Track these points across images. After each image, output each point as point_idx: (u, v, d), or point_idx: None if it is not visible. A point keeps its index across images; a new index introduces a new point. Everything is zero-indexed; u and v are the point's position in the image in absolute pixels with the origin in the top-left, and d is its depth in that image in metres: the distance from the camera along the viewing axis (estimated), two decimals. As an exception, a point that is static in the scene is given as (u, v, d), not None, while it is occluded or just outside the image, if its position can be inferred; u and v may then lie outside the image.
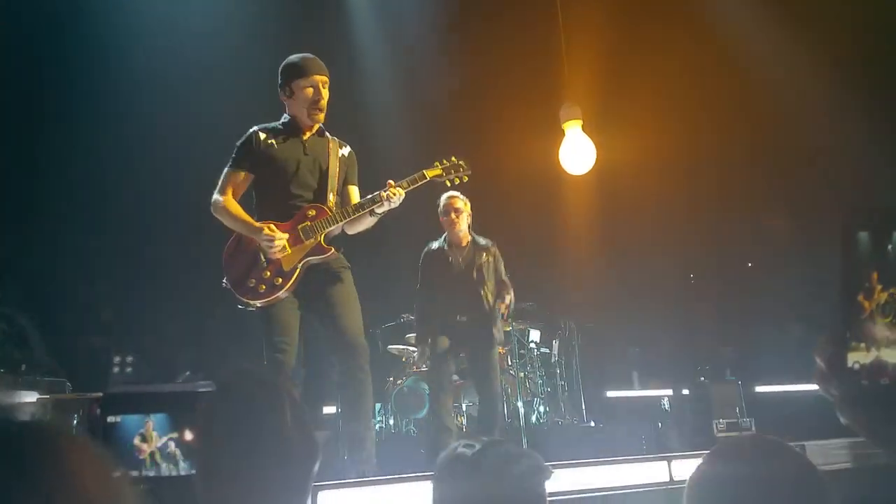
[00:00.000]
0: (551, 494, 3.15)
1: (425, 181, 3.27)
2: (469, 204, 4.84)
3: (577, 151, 5.91)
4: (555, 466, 3.34)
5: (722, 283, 7.99)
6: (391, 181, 3.12)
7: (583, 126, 5.96)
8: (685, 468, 3.17)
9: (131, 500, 0.46)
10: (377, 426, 6.53)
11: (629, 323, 8.25)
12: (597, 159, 5.97)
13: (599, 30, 6.38)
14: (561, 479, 3.09)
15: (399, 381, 6.40)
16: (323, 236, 3.03)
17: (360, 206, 3.10)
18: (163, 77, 6.25)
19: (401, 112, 7.33)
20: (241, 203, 3.15)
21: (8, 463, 0.39)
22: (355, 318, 3.09)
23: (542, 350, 7.05)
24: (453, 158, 3.37)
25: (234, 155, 3.14)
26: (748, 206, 7.83)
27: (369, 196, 3.14)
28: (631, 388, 8.66)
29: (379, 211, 3.11)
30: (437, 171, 3.29)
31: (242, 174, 3.10)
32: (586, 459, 3.35)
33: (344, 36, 7.13)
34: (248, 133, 3.14)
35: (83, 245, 7.25)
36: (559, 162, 5.97)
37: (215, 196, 3.09)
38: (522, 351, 6.80)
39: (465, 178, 3.39)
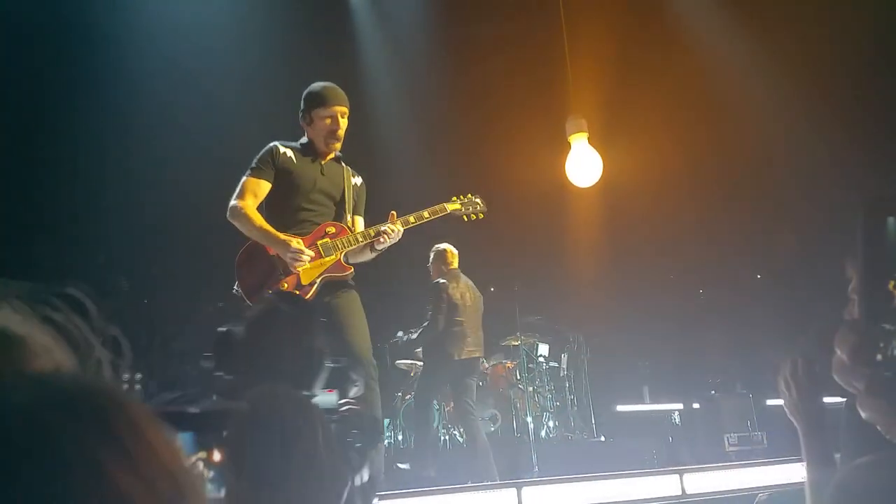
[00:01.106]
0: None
1: (444, 214, 3.38)
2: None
3: (583, 164, 5.89)
4: (567, 480, 3.31)
5: (731, 295, 7.92)
6: (393, 213, 3.21)
7: (589, 138, 5.96)
8: (697, 482, 3.12)
9: (196, 478, 0.44)
10: (386, 442, 6.49)
11: (639, 336, 8.19)
12: (603, 171, 5.96)
13: (604, 41, 6.41)
14: (572, 494, 3.05)
15: (408, 396, 6.37)
16: (343, 254, 3.09)
17: (367, 235, 3.17)
18: (167, 78, 6.31)
19: (404, 126, 7.36)
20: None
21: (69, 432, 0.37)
22: (363, 336, 3.12)
23: (551, 364, 7.00)
24: (470, 195, 3.48)
25: (254, 165, 3.17)
26: (757, 218, 7.79)
27: (375, 228, 3.21)
28: (641, 401, 8.58)
29: (378, 248, 3.18)
30: (457, 206, 3.40)
31: (263, 183, 3.14)
32: (597, 473, 3.30)
33: (349, 51, 7.19)
34: (269, 146, 3.22)
35: (88, 262, 7.26)
36: (565, 174, 5.96)
37: (234, 202, 3.10)
38: (531, 365, 6.76)
39: (482, 216, 3.50)
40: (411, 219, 3.25)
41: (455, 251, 5.37)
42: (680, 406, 7.77)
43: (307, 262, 2.98)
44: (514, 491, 3.00)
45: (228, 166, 3.50)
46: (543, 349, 6.95)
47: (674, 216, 7.69)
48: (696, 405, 7.09)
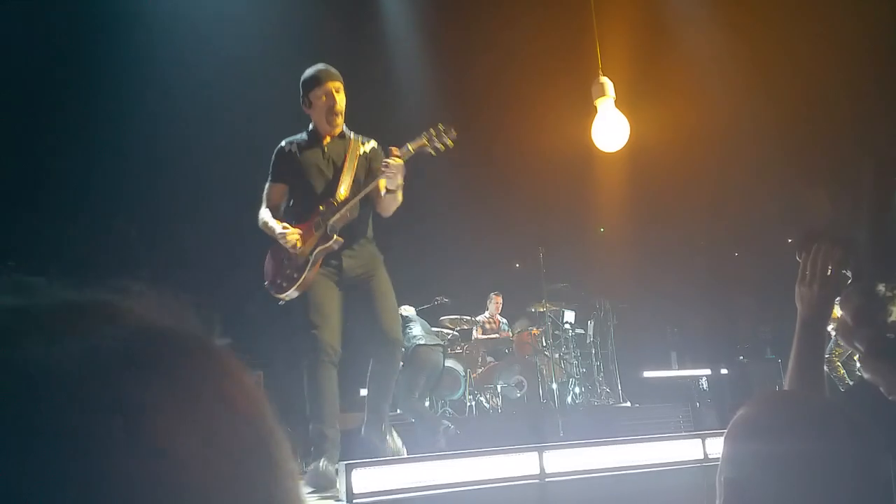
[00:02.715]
0: (586, 472, 3.14)
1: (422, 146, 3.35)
2: None
3: (609, 128, 5.78)
4: (588, 444, 3.33)
5: (761, 259, 7.78)
6: (394, 148, 3.27)
7: (615, 101, 5.83)
8: (720, 446, 3.10)
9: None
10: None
11: (667, 302, 8.12)
12: (631, 135, 5.84)
13: (631, 1, 6.23)
14: (592, 458, 3.07)
15: (433, 363, 6.44)
16: (328, 226, 3.20)
17: (358, 191, 3.27)
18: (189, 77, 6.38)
19: (427, 89, 7.30)
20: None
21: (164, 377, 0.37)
22: (388, 315, 3.29)
23: (577, 331, 7.00)
24: (440, 126, 3.39)
25: (270, 171, 3.39)
26: (787, 181, 7.59)
27: (367, 185, 3.28)
28: (668, 367, 8.55)
29: (391, 187, 3.23)
30: (422, 142, 3.34)
31: (277, 185, 3.37)
32: (617, 438, 3.31)
33: (371, 16, 7.12)
34: (277, 148, 3.39)
35: (115, 227, 7.41)
36: (591, 139, 5.86)
37: (260, 211, 3.34)
38: (557, 332, 6.77)
39: (451, 144, 3.39)
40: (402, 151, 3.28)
41: None
42: (708, 372, 7.72)
43: (292, 242, 3.16)
44: (535, 455, 3.03)
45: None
46: (569, 316, 6.95)
47: (703, 180, 7.54)
48: (724, 371, 7.04)
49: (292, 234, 3.17)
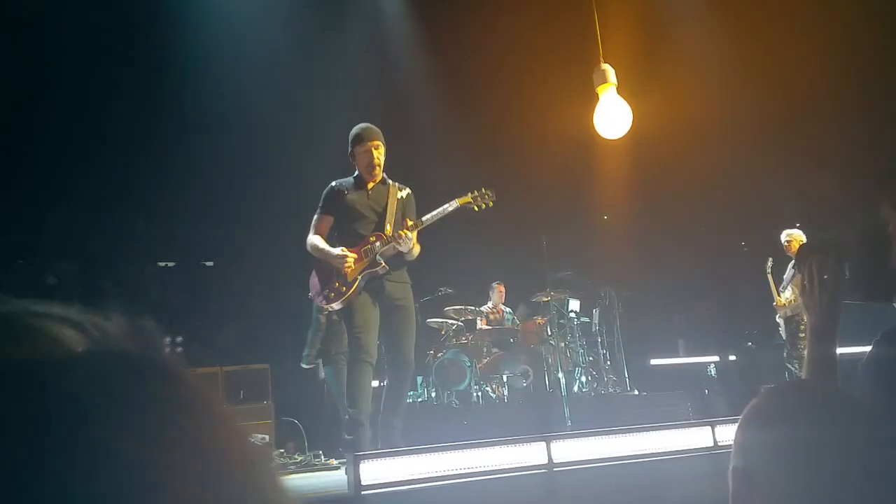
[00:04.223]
0: (594, 461, 3.13)
1: (454, 208, 4.07)
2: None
3: (612, 114, 5.73)
4: (597, 433, 3.31)
5: (767, 245, 7.73)
6: (408, 219, 4.04)
7: (617, 88, 5.77)
8: (729, 433, 3.08)
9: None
10: (420, 399, 6.59)
11: (673, 290, 8.08)
12: (633, 122, 5.79)
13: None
14: (602, 446, 3.05)
15: (440, 354, 6.42)
16: (377, 255, 3.91)
17: (389, 241, 3.95)
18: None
19: (427, 78, 7.25)
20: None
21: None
22: (409, 341, 3.93)
23: (583, 319, 6.96)
24: (483, 188, 4.12)
25: (320, 204, 4.10)
26: (792, 167, 7.52)
27: (394, 235, 3.98)
28: (676, 355, 8.51)
29: (403, 249, 3.91)
30: (467, 199, 4.09)
31: (326, 218, 4.06)
32: (626, 426, 3.29)
33: (370, 8, 7.07)
34: (328, 187, 4.10)
35: (132, 227, 7.46)
36: (594, 126, 5.81)
37: (309, 237, 4.04)
38: (562, 321, 6.73)
39: (491, 204, 4.12)
40: (425, 219, 4.02)
41: None
42: (716, 358, 7.69)
43: (350, 263, 3.87)
44: (543, 445, 3.01)
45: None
46: (574, 305, 6.91)
47: (709, 166, 7.47)
48: (732, 357, 7.01)
49: (350, 258, 3.87)
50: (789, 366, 6.18)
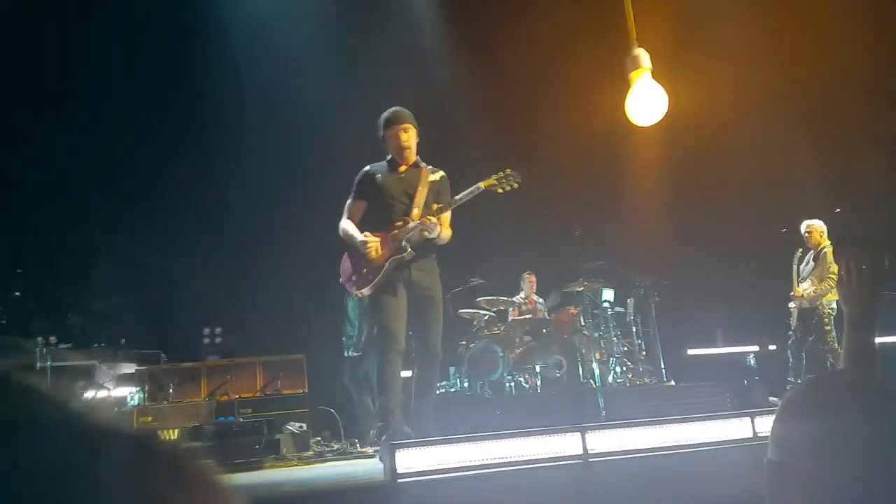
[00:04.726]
0: (629, 452, 3.10)
1: (479, 191, 3.98)
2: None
3: (646, 100, 5.61)
4: (633, 424, 3.27)
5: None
6: (434, 204, 3.98)
7: (652, 73, 5.65)
8: (769, 424, 3.01)
9: None
10: (452, 389, 6.61)
11: (711, 278, 7.92)
12: (669, 107, 5.66)
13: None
14: (637, 436, 3.01)
15: (472, 345, 6.43)
16: (404, 240, 3.88)
17: (414, 226, 3.91)
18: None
19: (459, 68, 7.22)
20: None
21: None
22: (437, 331, 3.92)
23: (617, 309, 6.88)
24: (507, 170, 4.03)
25: (353, 189, 4.11)
26: (835, 151, 7.28)
27: (420, 220, 3.94)
28: (714, 345, 8.37)
29: (431, 235, 3.89)
30: (492, 182, 3.97)
31: (359, 203, 4.08)
32: (663, 417, 3.25)
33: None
34: (361, 171, 4.11)
35: (173, 223, 7.62)
36: (626, 112, 5.70)
37: (341, 222, 4.06)
38: (596, 311, 6.66)
39: (517, 185, 4.02)
40: (450, 202, 3.97)
41: None
42: (756, 348, 7.53)
43: (374, 249, 3.85)
44: (578, 435, 2.99)
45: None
46: (608, 294, 6.83)
47: (748, 151, 7.29)
48: (772, 347, 6.86)
49: (373, 243, 3.86)
50: (789, 354, 6.13)
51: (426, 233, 3.88)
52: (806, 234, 6.36)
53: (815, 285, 6.12)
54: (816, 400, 1.03)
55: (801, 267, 6.42)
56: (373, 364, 5.45)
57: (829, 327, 6.05)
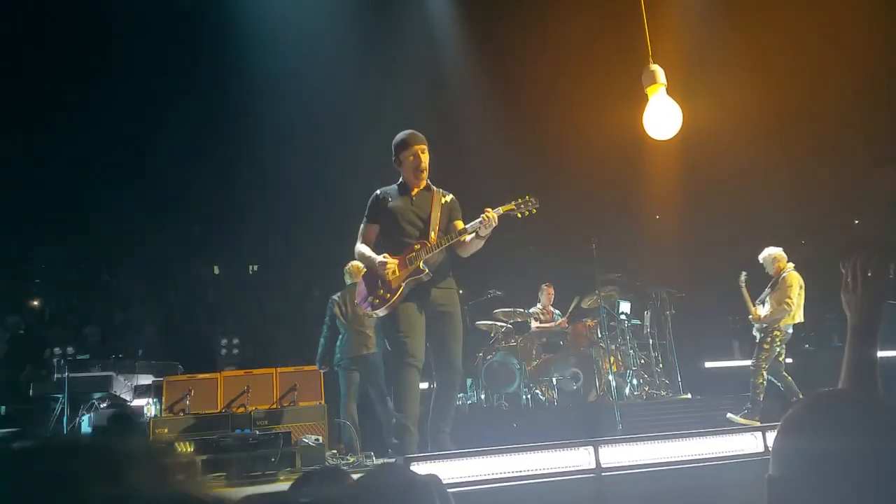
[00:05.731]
0: (643, 465, 3.13)
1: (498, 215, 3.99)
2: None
3: (661, 115, 5.66)
4: (646, 438, 3.30)
5: (826, 244, 7.47)
6: (488, 209, 3.91)
7: (667, 88, 5.70)
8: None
9: None
10: (469, 401, 6.65)
11: (727, 291, 7.89)
12: (684, 122, 5.70)
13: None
14: (649, 450, 3.05)
15: (489, 357, 6.47)
16: (422, 262, 3.91)
17: (449, 238, 3.95)
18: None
19: (475, 81, 7.30)
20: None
21: None
22: (456, 347, 3.92)
23: (633, 321, 6.89)
24: (527, 196, 4.04)
25: (366, 213, 4.14)
26: (852, 163, 7.25)
27: (465, 226, 3.97)
28: (731, 357, 8.32)
29: (482, 234, 3.88)
30: (510, 207, 3.98)
31: (372, 226, 4.10)
32: (678, 431, 3.28)
33: (421, 9, 7.17)
34: (373, 195, 4.14)
35: (191, 235, 7.76)
36: (643, 127, 5.75)
37: (356, 246, 4.10)
38: (612, 323, 6.68)
39: (535, 211, 4.03)
40: (492, 214, 3.87)
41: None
42: (772, 361, 7.44)
43: (391, 270, 3.87)
44: (591, 449, 3.03)
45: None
46: (625, 307, 6.85)
47: (763, 165, 7.28)
48: (788, 360, 6.83)
49: (391, 265, 3.89)
50: (773, 380, 5.98)
51: (482, 232, 3.86)
52: (766, 264, 6.30)
53: (773, 307, 6.07)
54: (816, 417, 1.05)
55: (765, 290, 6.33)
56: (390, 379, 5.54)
57: (767, 346, 5.92)
